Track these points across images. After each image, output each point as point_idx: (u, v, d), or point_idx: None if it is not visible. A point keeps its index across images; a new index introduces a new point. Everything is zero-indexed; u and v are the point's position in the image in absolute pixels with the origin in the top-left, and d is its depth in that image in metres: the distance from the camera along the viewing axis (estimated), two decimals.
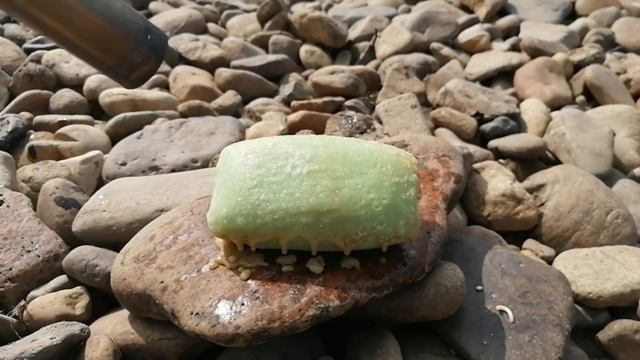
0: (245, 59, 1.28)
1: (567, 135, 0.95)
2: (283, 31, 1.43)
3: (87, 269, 0.65)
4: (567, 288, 0.63)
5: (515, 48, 1.32)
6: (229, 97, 1.14)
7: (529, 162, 0.95)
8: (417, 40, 1.36)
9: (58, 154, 0.92)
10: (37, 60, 1.20)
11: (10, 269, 0.65)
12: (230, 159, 0.54)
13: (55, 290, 0.65)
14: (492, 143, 0.95)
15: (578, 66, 1.24)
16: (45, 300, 0.63)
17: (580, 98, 1.18)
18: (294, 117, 1.01)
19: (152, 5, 1.63)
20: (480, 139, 1.00)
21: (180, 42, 1.35)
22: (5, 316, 0.61)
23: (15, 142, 0.96)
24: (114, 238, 0.69)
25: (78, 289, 0.65)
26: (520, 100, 1.12)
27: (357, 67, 1.21)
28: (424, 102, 1.14)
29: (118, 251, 0.63)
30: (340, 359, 0.56)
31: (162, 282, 0.53)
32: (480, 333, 0.56)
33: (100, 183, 0.86)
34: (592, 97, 1.18)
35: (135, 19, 0.36)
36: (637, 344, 0.64)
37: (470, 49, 1.35)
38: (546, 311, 0.59)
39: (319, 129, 1.00)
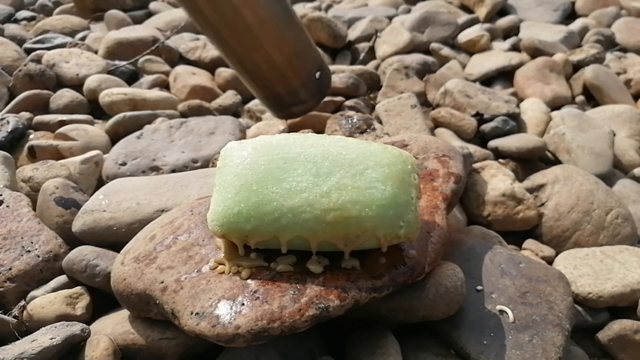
0: None
1: (567, 135, 0.95)
2: None
3: (87, 269, 0.65)
4: (567, 288, 0.63)
5: (515, 48, 1.32)
6: (229, 97, 1.14)
7: (529, 162, 0.95)
8: (417, 40, 1.36)
9: (58, 154, 0.92)
10: (37, 60, 1.20)
11: (10, 269, 0.65)
12: (231, 158, 0.54)
13: (55, 290, 0.65)
14: (492, 143, 0.95)
15: (578, 66, 1.24)
16: (45, 300, 0.63)
17: (580, 98, 1.18)
18: None
19: (152, 5, 1.63)
20: (480, 139, 1.00)
21: (181, 42, 1.35)
22: (5, 316, 0.61)
23: (15, 142, 0.96)
24: (114, 238, 0.69)
25: (78, 289, 0.65)
26: (520, 100, 1.12)
27: (357, 67, 1.21)
28: (424, 102, 1.14)
29: (118, 251, 0.63)
30: (340, 359, 0.56)
31: (162, 282, 0.53)
32: (480, 333, 0.56)
33: (100, 183, 0.86)
34: (592, 97, 1.18)
35: (315, 54, 0.35)
36: (637, 344, 0.64)
37: (470, 49, 1.35)
38: (546, 311, 0.59)
39: (319, 129, 1.00)
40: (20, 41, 1.35)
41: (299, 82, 0.35)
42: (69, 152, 0.92)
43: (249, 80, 0.35)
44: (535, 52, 1.25)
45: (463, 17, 1.48)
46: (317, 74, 0.35)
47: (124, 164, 0.88)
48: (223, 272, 0.52)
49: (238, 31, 0.31)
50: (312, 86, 0.35)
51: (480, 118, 1.01)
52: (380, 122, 1.01)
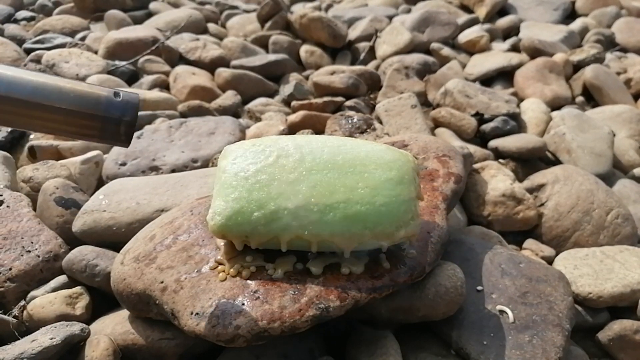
0: (245, 59, 1.28)
1: (567, 136, 0.95)
2: (283, 31, 1.43)
3: (87, 269, 0.65)
4: (567, 288, 0.63)
5: (515, 48, 1.32)
6: (229, 97, 1.14)
7: (529, 162, 0.95)
8: (417, 40, 1.36)
9: (58, 154, 0.92)
10: (37, 60, 1.20)
11: (10, 269, 0.65)
12: (231, 158, 0.54)
13: (55, 290, 0.65)
14: (492, 143, 0.95)
15: (578, 66, 1.24)
16: (45, 300, 0.63)
17: (580, 98, 1.18)
18: (294, 117, 1.01)
19: (152, 5, 1.63)
20: (480, 139, 1.00)
21: (181, 42, 1.35)
22: (5, 316, 0.61)
23: (15, 142, 0.96)
24: (114, 238, 0.69)
25: (78, 289, 0.65)
26: (520, 100, 1.12)
27: (357, 67, 1.21)
28: (424, 102, 1.14)
29: (118, 251, 0.63)
30: (340, 359, 0.56)
31: (162, 282, 0.53)
32: (480, 333, 0.56)
33: (100, 183, 0.86)
34: (592, 97, 1.18)
35: (99, 91, 0.41)
36: (637, 344, 0.64)
37: (470, 49, 1.35)
38: (546, 311, 0.59)
39: (319, 129, 1.00)
40: (20, 41, 1.35)
41: (101, 117, 0.40)
42: (69, 152, 0.92)
43: (70, 137, 0.41)
44: (535, 52, 1.25)
45: (463, 17, 1.48)
46: (119, 97, 0.39)
47: (124, 164, 0.88)
48: (225, 278, 0.52)
49: (23, 122, 0.39)
50: (116, 109, 0.40)
51: (480, 118, 1.01)
52: (381, 122, 1.01)
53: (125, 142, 0.43)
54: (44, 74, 0.41)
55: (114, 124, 0.41)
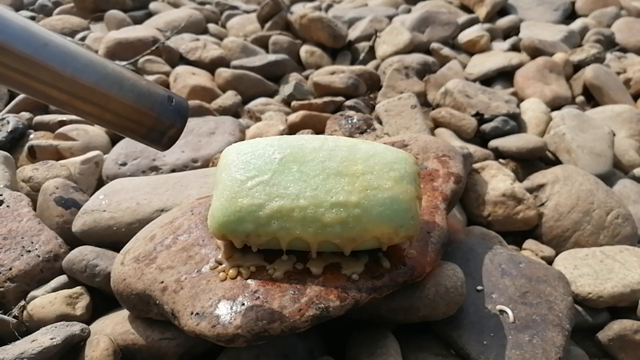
0: (245, 59, 1.28)
1: (567, 136, 0.95)
2: (283, 31, 1.43)
3: (87, 269, 0.65)
4: (567, 288, 0.63)
5: (515, 48, 1.32)
6: (229, 97, 1.14)
7: (529, 162, 0.95)
8: (417, 40, 1.36)
9: (58, 154, 0.92)
10: None
11: (10, 269, 0.65)
12: (231, 159, 0.54)
13: (55, 290, 0.65)
14: (492, 143, 0.95)
15: (578, 66, 1.24)
16: (45, 300, 0.63)
17: (580, 98, 1.18)
18: (294, 117, 1.01)
19: (152, 5, 1.63)
20: (481, 139, 1.00)
21: (181, 42, 1.35)
22: (5, 316, 0.61)
23: (15, 142, 0.96)
24: (114, 238, 0.69)
25: (78, 289, 0.65)
26: (520, 100, 1.12)
27: (357, 67, 1.21)
28: (424, 102, 1.14)
29: (118, 251, 0.63)
30: (340, 359, 0.56)
31: (162, 282, 0.53)
32: (480, 333, 0.56)
33: (101, 183, 0.86)
34: (592, 97, 1.18)
35: (158, 91, 0.42)
36: (637, 344, 0.64)
37: (470, 49, 1.35)
38: (546, 311, 0.59)
39: (319, 129, 1.00)
40: None
41: (154, 118, 0.40)
42: (69, 152, 0.92)
43: (117, 130, 0.41)
44: (535, 52, 1.25)
45: (463, 17, 1.48)
46: (172, 104, 0.40)
47: (124, 164, 0.88)
48: (225, 278, 0.52)
49: (79, 104, 0.38)
50: (170, 115, 0.42)
51: (480, 118, 1.01)
52: (380, 122, 1.01)
53: (165, 147, 0.43)
54: (108, 61, 0.40)
55: (161, 130, 0.42)
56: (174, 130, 0.43)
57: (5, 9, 0.34)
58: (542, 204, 0.82)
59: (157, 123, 0.41)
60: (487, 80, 1.23)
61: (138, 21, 1.53)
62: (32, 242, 0.69)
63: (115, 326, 0.58)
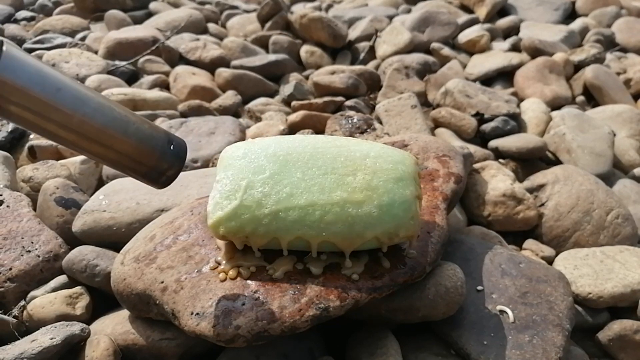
0: (246, 59, 1.28)
1: (567, 135, 0.95)
2: (283, 31, 1.43)
3: (87, 269, 0.64)
4: (567, 288, 0.63)
5: (515, 48, 1.32)
6: (229, 97, 1.14)
7: (529, 162, 0.95)
8: (417, 40, 1.36)
9: (58, 154, 0.92)
10: None
11: (10, 269, 0.65)
12: (231, 159, 0.54)
13: (55, 290, 0.65)
14: (493, 143, 0.95)
15: (578, 66, 1.24)
16: (45, 300, 0.63)
17: (580, 98, 1.18)
18: (294, 117, 1.01)
19: (152, 5, 1.63)
20: (481, 139, 1.00)
21: (181, 42, 1.35)
22: (5, 316, 0.61)
23: (15, 142, 0.96)
24: (114, 238, 0.69)
25: (78, 289, 0.65)
26: (521, 100, 1.12)
27: (357, 67, 1.21)
28: (424, 102, 1.14)
29: (118, 251, 0.63)
30: (340, 359, 0.56)
31: (162, 282, 0.53)
32: (480, 333, 0.56)
33: (101, 183, 0.86)
34: (592, 97, 1.18)
35: (159, 135, 0.44)
36: (637, 344, 0.64)
37: (471, 49, 1.35)
38: (546, 311, 0.59)
39: (319, 129, 1.00)
40: (20, 41, 1.35)
41: (154, 159, 0.44)
42: (69, 152, 0.92)
43: (118, 169, 0.43)
44: (535, 52, 1.25)
45: (463, 17, 1.48)
46: (172, 147, 0.42)
47: None
48: (225, 278, 0.52)
49: (85, 145, 0.41)
50: (169, 157, 0.45)
51: (480, 118, 1.01)
52: (380, 122, 1.01)
53: (162, 186, 0.46)
54: (115, 104, 0.42)
55: (160, 170, 0.45)
56: (172, 172, 0.45)
57: (21, 51, 0.36)
58: (542, 204, 0.82)
59: (157, 164, 0.44)
60: (487, 80, 1.23)
61: (138, 21, 1.53)
62: (32, 242, 0.69)
63: (115, 326, 0.58)
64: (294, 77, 1.23)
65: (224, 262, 0.53)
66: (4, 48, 0.34)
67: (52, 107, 0.37)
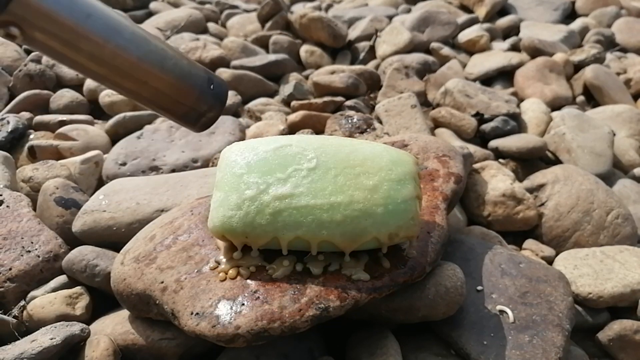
0: (246, 59, 1.28)
1: (567, 135, 0.95)
2: (283, 31, 1.43)
3: (87, 269, 0.65)
4: (567, 288, 0.63)
5: (515, 48, 1.32)
6: (229, 97, 1.14)
7: (529, 162, 0.95)
8: (417, 40, 1.36)
9: (58, 154, 0.92)
10: (37, 60, 1.19)
11: (10, 269, 0.65)
12: (231, 159, 0.54)
13: (55, 290, 0.65)
14: (492, 143, 0.95)
15: (578, 66, 1.24)
16: (45, 300, 0.63)
17: (581, 98, 1.18)
18: (294, 117, 1.01)
19: (152, 5, 1.63)
20: (481, 139, 1.00)
21: (181, 42, 1.35)
22: (5, 316, 0.61)
23: (15, 142, 0.96)
24: (114, 238, 0.69)
25: (78, 289, 0.65)
26: (521, 100, 1.12)
27: (357, 67, 1.21)
28: (424, 102, 1.14)
29: (118, 251, 0.63)
30: (340, 359, 0.56)
31: (162, 282, 0.53)
32: (480, 333, 0.56)
33: (100, 183, 0.86)
34: (592, 97, 1.18)
35: (199, 73, 0.40)
36: (637, 344, 0.64)
37: (470, 48, 1.35)
38: (546, 311, 0.59)
39: (319, 129, 1.00)
40: None
41: (193, 99, 0.40)
42: (69, 152, 0.92)
43: (153, 108, 0.40)
44: (535, 52, 1.25)
45: (463, 17, 1.48)
46: (212, 87, 0.39)
47: (124, 164, 0.88)
48: (225, 278, 0.52)
49: (118, 79, 0.37)
50: (209, 98, 0.41)
51: (480, 118, 1.01)
52: (380, 122, 1.01)
53: (200, 129, 0.43)
54: (152, 35, 0.38)
55: (200, 111, 0.41)
56: (212, 114, 0.42)
57: None
58: (542, 204, 0.82)
59: (196, 104, 0.40)
60: (487, 80, 1.23)
61: (138, 21, 1.53)
62: (32, 242, 0.69)
63: (115, 326, 0.58)
64: (294, 77, 1.23)
65: (223, 262, 0.53)
66: None
67: (81, 36, 0.34)
